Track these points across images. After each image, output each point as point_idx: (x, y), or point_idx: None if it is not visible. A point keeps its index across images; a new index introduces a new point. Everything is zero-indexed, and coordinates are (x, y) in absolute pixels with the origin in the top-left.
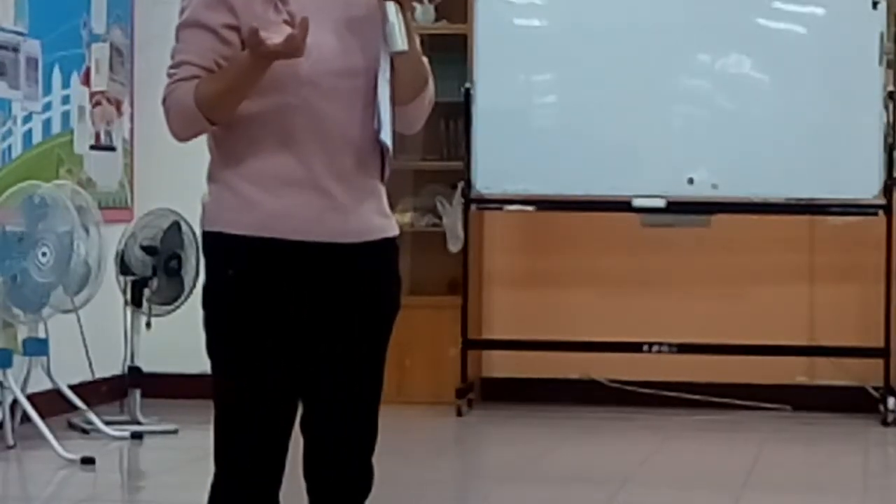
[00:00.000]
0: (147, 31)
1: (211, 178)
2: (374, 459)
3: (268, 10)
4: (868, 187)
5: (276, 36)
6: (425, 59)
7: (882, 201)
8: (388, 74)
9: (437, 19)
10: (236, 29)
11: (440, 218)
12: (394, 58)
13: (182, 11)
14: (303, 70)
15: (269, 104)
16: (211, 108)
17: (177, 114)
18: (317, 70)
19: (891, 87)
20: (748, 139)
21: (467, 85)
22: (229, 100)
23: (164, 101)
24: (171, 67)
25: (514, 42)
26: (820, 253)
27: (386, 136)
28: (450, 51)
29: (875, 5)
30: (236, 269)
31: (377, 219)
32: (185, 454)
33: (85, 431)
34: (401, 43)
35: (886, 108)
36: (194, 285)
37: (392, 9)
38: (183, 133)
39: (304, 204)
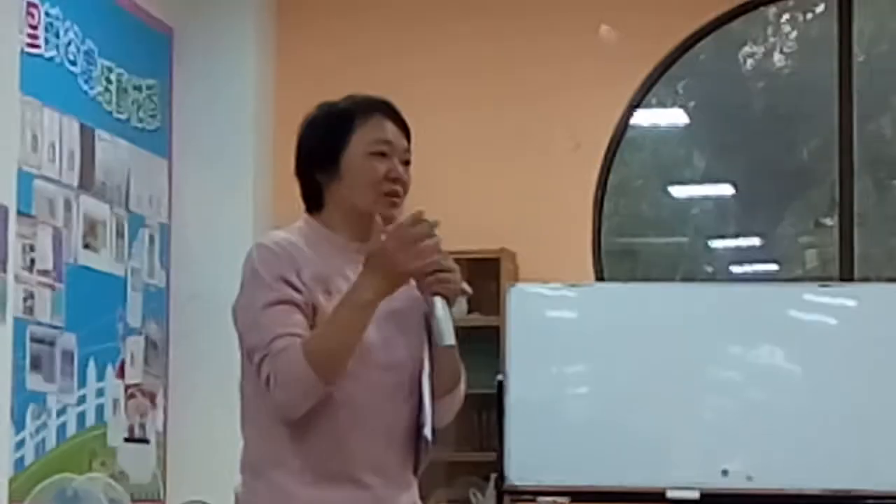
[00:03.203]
0: (182, 326)
1: (245, 467)
2: None
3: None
4: None
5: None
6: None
7: None
8: (429, 368)
9: (469, 311)
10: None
11: None
12: (436, 352)
13: (245, 292)
14: None
15: None
16: (327, 361)
17: (290, 383)
18: (360, 364)
19: None
20: (782, 430)
21: (500, 376)
22: (346, 345)
23: (267, 379)
24: (264, 347)
25: (546, 334)
26: None
27: (428, 431)
28: (482, 342)
29: None
30: None
31: None
32: None
33: None
34: (448, 337)
35: None
36: None
37: (440, 303)
38: (298, 403)
39: (340, 497)
